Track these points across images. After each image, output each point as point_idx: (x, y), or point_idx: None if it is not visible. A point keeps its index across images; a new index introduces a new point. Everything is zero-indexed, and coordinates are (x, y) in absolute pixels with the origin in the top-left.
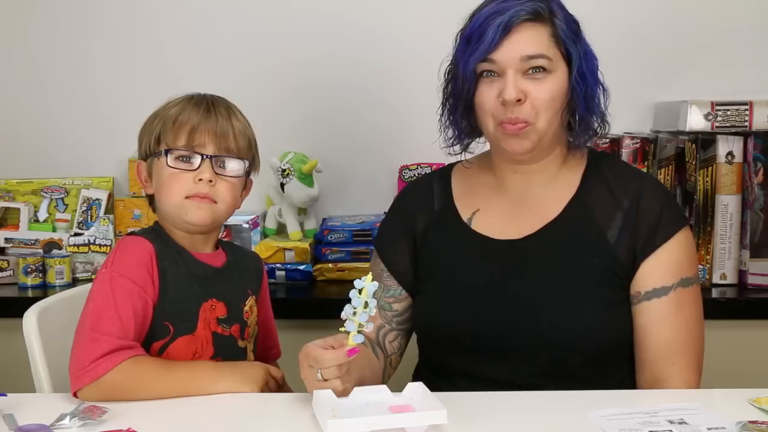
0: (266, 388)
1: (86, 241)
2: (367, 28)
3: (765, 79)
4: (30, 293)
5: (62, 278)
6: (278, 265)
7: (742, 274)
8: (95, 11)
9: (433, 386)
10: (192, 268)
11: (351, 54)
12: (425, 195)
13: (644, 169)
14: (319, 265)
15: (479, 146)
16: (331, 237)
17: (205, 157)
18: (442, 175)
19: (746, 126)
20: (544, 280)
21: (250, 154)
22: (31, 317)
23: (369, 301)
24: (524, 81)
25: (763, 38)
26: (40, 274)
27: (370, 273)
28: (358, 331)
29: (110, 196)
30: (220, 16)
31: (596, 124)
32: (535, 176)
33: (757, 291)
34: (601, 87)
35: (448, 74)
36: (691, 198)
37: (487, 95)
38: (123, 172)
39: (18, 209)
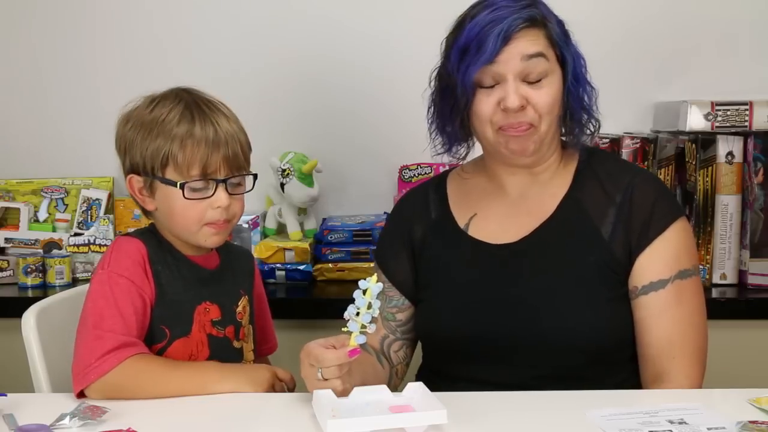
0: (272, 390)
1: (86, 241)
2: (367, 28)
3: (765, 79)
4: (30, 293)
5: (62, 278)
6: (278, 265)
7: (742, 274)
8: (95, 11)
9: (435, 389)
10: (186, 271)
11: (351, 54)
12: (421, 204)
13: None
14: (319, 265)
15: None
16: (331, 237)
17: (219, 182)
18: (438, 182)
19: (746, 126)
20: (542, 282)
21: (249, 159)
22: (30, 317)
23: (373, 302)
24: (524, 87)
25: (763, 38)
26: (40, 274)
27: (375, 274)
28: (361, 332)
29: (110, 196)
30: (220, 16)
31: (590, 124)
32: (532, 178)
33: (757, 291)
34: (589, 86)
35: (438, 82)
36: (691, 198)
37: (485, 104)
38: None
39: (18, 209)
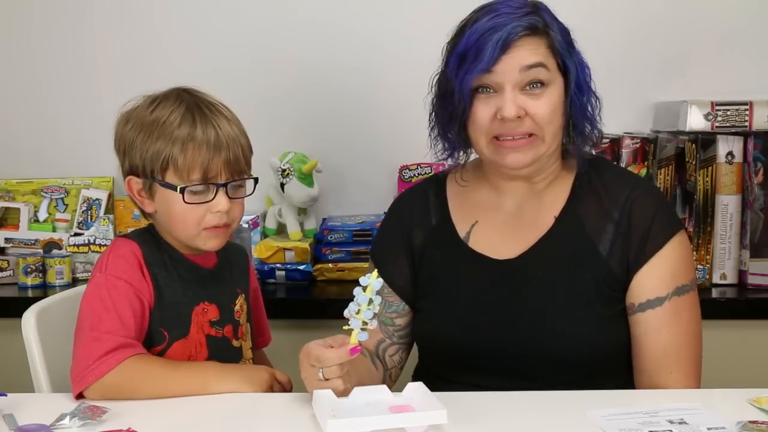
0: (270, 391)
1: (86, 241)
2: (367, 28)
3: (765, 79)
4: (30, 293)
5: (62, 278)
6: (278, 265)
7: (742, 274)
8: (96, 11)
9: (433, 390)
10: (183, 271)
11: (351, 54)
12: (421, 208)
13: (644, 170)
14: (319, 265)
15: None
16: (331, 237)
17: (219, 186)
18: (437, 185)
19: (746, 126)
20: (540, 298)
21: (250, 163)
22: (30, 317)
23: (373, 298)
24: (522, 97)
25: (763, 38)
26: (40, 274)
27: (376, 270)
28: (362, 329)
29: (110, 196)
30: (221, 16)
31: (593, 134)
32: (530, 187)
33: (757, 291)
34: (594, 95)
35: (438, 87)
36: (691, 198)
37: (482, 113)
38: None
39: (18, 209)
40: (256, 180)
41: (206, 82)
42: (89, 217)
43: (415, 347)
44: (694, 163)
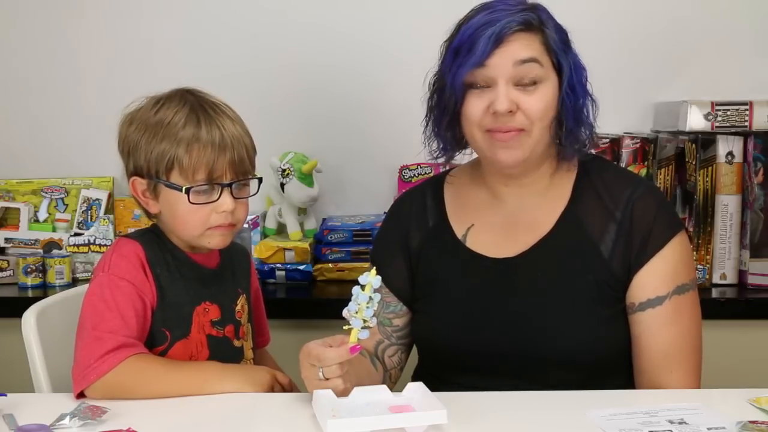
0: (271, 392)
1: (86, 241)
2: (367, 30)
3: (765, 79)
4: (30, 293)
5: (62, 278)
6: (278, 265)
7: (742, 274)
8: (96, 11)
9: (433, 389)
10: (186, 270)
11: (351, 54)
12: (419, 210)
13: (644, 170)
14: (319, 265)
15: (465, 157)
16: (331, 237)
17: (224, 186)
18: (435, 187)
19: (746, 126)
20: (540, 299)
21: (254, 163)
22: (30, 317)
23: (373, 296)
24: (515, 92)
25: (763, 38)
26: (40, 274)
27: (374, 268)
28: (363, 327)
29: (110, 196)
30: (221, 16)
31: (585, 136)
32: (528, 188)
33: (757, 291)
34: (590, 98)
35: (433, 85)
36: (691, 198)
37: (475, 106)
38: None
39: (18, 209)
40: (260, 180)
41: (208, 83)
42: (89, 217)
43: (415, 348)
44: (694, 163)
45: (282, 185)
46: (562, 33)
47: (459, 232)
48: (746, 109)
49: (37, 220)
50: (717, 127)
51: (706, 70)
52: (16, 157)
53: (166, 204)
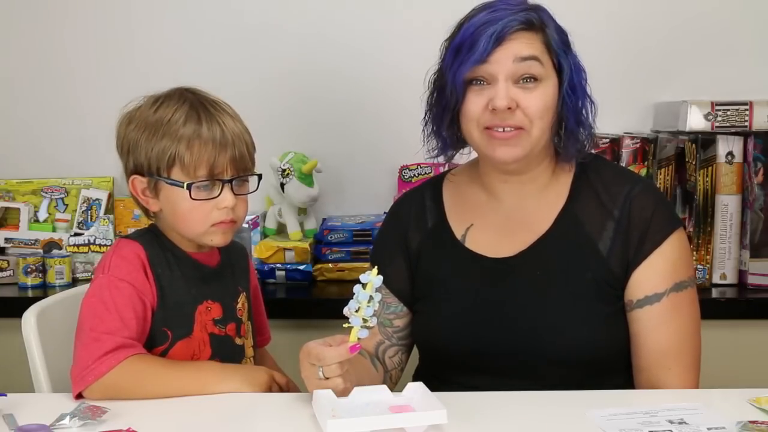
0: (269, 391)
1: (86, 241)
2: (367, 26)
3: (765, 79)
4: (30, 293)
5: (62, 278)
6: (278, 265)
7: (742, 274)
8: (96, 11)
9: (433, 389)
10: (187, 270)
11: (351, 53)
12: (418, 211)
13: (644, 170)
14: (319, 265)
15: (463, 157)
16: (331, 237)
17: (225, 183)
18: (434, 188)
19: (746, 126)
20: (539, 298)
21: (254, 160)
22: (30, 317)
23: (374, 295)
24: (515, 90)
25: (763, 38)
26: (40, 274)
27: (376, 267)
28: (363, 326)
29: (110, 196)
30: (222, 17)
31: (584, 137)
32: (526, 186)
33: (757, 291)
34: (589, 100)
35: (433, 84)
36: (691, 198)
37: (474, 103)
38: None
39: (18, 209)
40: (259, 177)
41: (207, 82)
42: (89, 217)
43: (415, 349)
44: (694, 163)
45: (282, 185)
46: (562, 34)
47: (458, 233)
48: (746, 109)
49: (37, 220)
50: (717, 127)
51: (706, 70)
52: (16, 157)
53: (167, 202)
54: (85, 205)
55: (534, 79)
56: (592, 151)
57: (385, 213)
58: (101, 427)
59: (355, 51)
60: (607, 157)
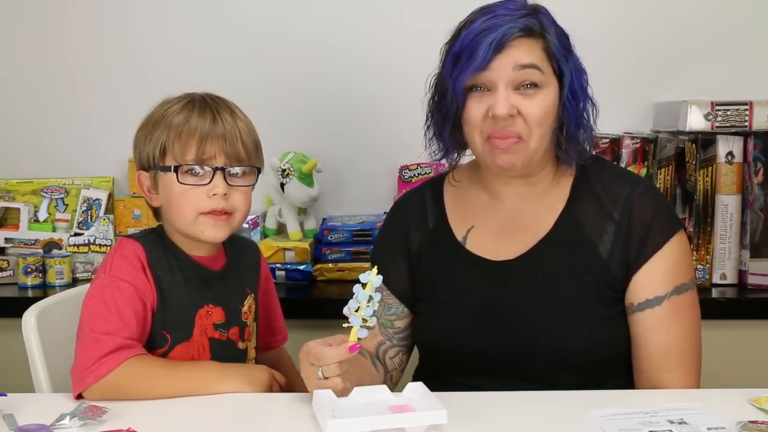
0: (270, 391)
1: (86, 241)
2: (367, 27)
3: (765, 79)
4: (30, 293)
5: (62, 278)
6: (278, 265)
7: (742, 274)
8: (96, 11)
9: (433, 389)
10: (189, 273)
11: (352, 53)
12: (419, 212)
13: (644, 170)
14: (319, 265)
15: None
16: (331, 237)
17: (216, 169)
18: (434, 189)
19: (746, 126)
20: (540, 300)
21: (258, 157)
22: (30, 317)
23: (373, 295)
24: (516, 96)
25: (763, 38)
26: (40, 274)
27: (376, 267)
28: (362, 326)
29: (110, 196)
30: (222, 17)
31: (585, 140)
32: (528, 189)
33: (757, 291)
34: (590, 102)
35: (434, 88)
36: (691, 198)
37: (475, 111)
38: (123, 172)
39: (18, 209)
40: (259, 170)
41: (208, 83)
42: (89, 217)
43: (415, 349)
44: (694, 163)
45: (282, 185)
46: (563, 38)
47: (459, 234)
48: (746, 109)
49: (37, 220)
50: (717, 127)
51: (706, 70)
52: (16, 157)
53: (163, 192)
54: (85, 205)
55: (534, 85)
56: (593, 153)
57: (385, 213)
58: (101, 427)
59: (355, 52)
60: (607, 157)
